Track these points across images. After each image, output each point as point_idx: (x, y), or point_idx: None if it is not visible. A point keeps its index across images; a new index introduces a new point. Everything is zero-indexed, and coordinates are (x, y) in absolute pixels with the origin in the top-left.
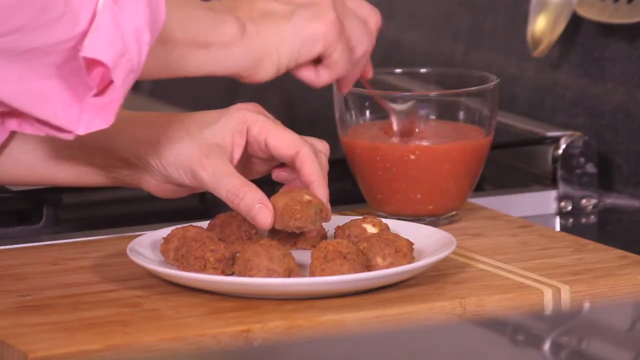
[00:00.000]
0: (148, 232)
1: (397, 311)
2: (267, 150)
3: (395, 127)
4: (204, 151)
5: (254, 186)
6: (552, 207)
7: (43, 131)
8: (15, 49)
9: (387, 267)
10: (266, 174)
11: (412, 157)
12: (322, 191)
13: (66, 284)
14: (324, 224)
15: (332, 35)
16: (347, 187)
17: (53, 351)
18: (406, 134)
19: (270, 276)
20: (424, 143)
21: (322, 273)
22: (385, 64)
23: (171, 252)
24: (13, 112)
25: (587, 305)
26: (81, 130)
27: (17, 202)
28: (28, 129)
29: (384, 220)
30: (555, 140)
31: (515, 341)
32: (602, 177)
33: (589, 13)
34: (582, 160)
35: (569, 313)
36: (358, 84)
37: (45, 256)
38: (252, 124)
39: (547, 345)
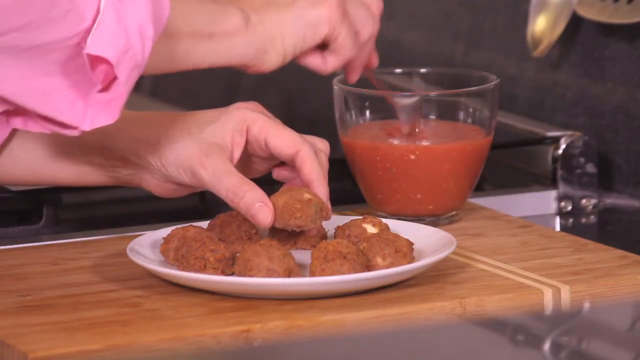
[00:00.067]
0: (148, 232)
1: (397, 311)
2: (267, 149)
3: (401, 120)
4: (204, 150)
5: (253, 185)
6: (552, 207)
7: (48, 128)
8: (19, 46)
9: (387, 267)
10: (266, 172)
11: (412, 157)
12: (322, 190)
13: (66, 284)
14: (324, 224)
15: (336, 19)
16: (347, 187)
17: (53, 351)
18: (412, 128)
19: (270, 276)
20: (424, 143)
21: (322, 273)
22: (385, 64)
23: (171, 252)
24: (18, 111)
25: (587, 305)
26: (86, 126)
27: (17, 202)
28: (33, 126)
29: (384, 220)
30: (555, 140)
31: (515, 341)
32: (602, 177)
33: (589, 13)
34: (582, 160)
35: (569, 313)
36: (360, 85)
37: (45, 256)
38: (252, 123)
39: (547, 345)
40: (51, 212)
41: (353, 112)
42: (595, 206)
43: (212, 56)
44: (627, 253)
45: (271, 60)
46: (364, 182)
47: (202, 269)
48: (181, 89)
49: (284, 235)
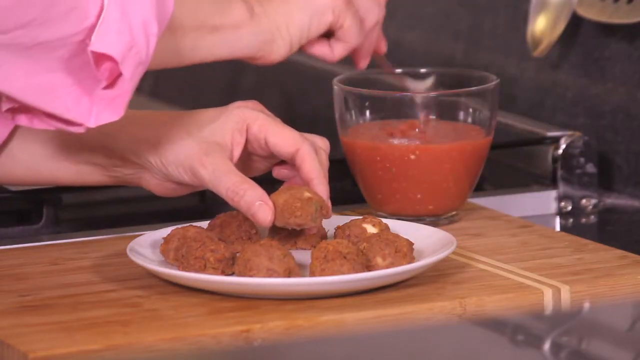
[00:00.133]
0: (148, 232)
1: (397, 311)
2: (267, 148)
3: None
4: (203, 149)
5: (253, 183)
6: (552, 207)
7: (53, 125)
8: (24, 43)
9: (387, 267)
10: (266, 171)
11: (412, 157)
12: (322, 188)
13: (66, 284)
14: (324, 224)
15: (340, 6)
16: (347, 187)
17: (53, 351)
18: (412, 127)
19: (270, 276)
20: (424, 143)
21: (322, 273)
22: (381, 67)
23: (171, 252)
24: (22, 108)
25: (587, 305)
26: (92, 123)
27: (17, 202)
28: (38, 124)
29: (384, 220)
30: (555, 140)
31: (515, 341)
32: (602, 177)
33: (589, 13)
34: (582, 160)
35: (569, 313)
36: (360, 85)
37: (45, 256)
38: (251, 122)
39: (547, 345)
40: (51, 212)
41: (353, 112)
42: (595, 206)
43: (217, 49)
44: (627, 253)
45: (278, 51)
46: (364, 182)
47: (202, 269)
48: (181, 89)
49: (284, 235)
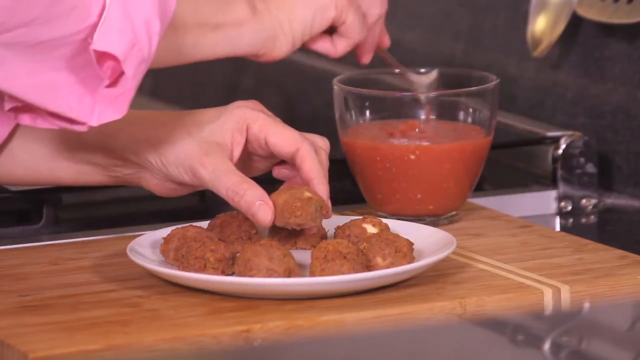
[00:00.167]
0: (148, 232)
1: (397, 311)
2: (267, 148)
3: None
4: (203, 149)
5: (254, 183)
6: (552, 207)
7: (56, 124)
8: (26, 42)
9: (387, 267)
10: (266, 171)
11: (412, 157)
12: (322, 188)
13: (66, 284)
14: (325, 224)
15: (343, 2)
16: (347, 187)
17: (53, 351)
18: (413, 126)
19: (270, 276)
20: (424, 143)
21: (322, 273)
22: (385, 63)
23: (171, 252)
24: (25, 107)
25: (587, 305)
26: (94, 122)
27: (17, 202)
28: (41, 123)
29: (384, 220)
30: (555, 140)
31: (515, 341)
32: (602, 177)
33: (589, 13)
34: (582, 160)
35: (569, 313)
36: (360, 85)
37: (45, 256)
38: (251, 122)
39: (547, 345)
40: (51, 212)
41: (353, 112)
42: (595, 206)
43: (220, 47)
44: (627, 253)
45: (281, 48)
46: (364, 182)
47: (202, 269)
48: (181, 89)
49: (284, 235)
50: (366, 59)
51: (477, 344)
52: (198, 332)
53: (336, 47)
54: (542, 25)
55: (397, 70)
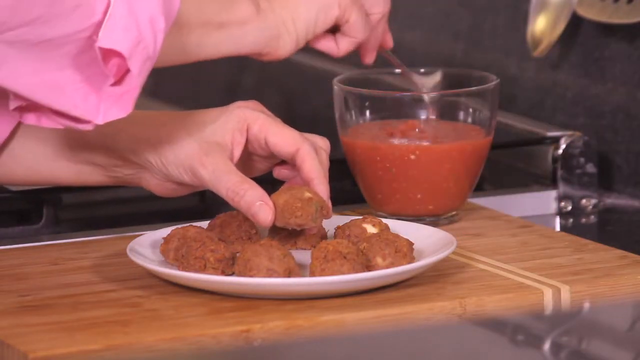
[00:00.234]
0: (148, 232)
1: (397, 311)
2: (267, 148)
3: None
4: (204, 149)
5: (254, 184)
6: (552, 207)
7: (61, 123)
8: (30, 40)
9: (387, 267)
10: (267, 171)
11: (412, 157)
12: (322, 188)
13: (66, 284)
14: (325, 225)
15: (346, 1)
16: (347, 187)
17: (53, 351)
18: (413, 126)
19: (270, 276)
20: (424, 143)
21: (322, 273)
22: (386, 63)
23: (171, 252)
24: (30, 107)
25: (587, 305)
26: (100, 120)
27: (17, 202)
28: (46, 122)
29: (384, 220)
30: (555, 140)
31: (515, 341)
32: (602, 177)
33: (589, 13)
34: (582, 160)
35: (569, 313)
36: (360, 85)
37: (45, 256)
38: (252, 122)
39: (547, 345)
40: (51, 212)
41: (353, 112)
42: (595, 206)
43: (224, 46)
44: (627, 253)
45: (285, 46)
46: (364, 182)
47: (202, 269)
48: (181, 89)
49: (284, 235)
50: (369, 59)
51: (477, 344)
52: (198, 332)
53: (339, 46)
54: (542, 25)
55: (399, 71)
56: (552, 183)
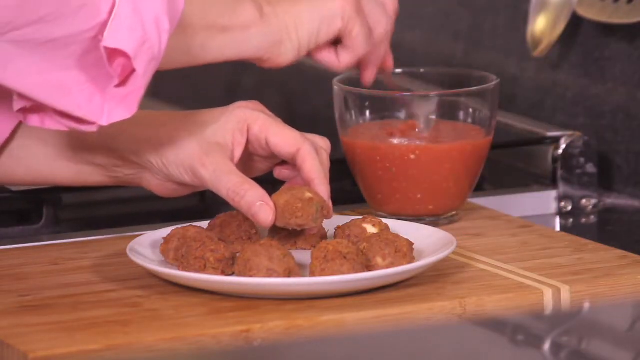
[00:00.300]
0: (148, 232)
1: (397, 311)
2: (268, 148)
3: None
4: (204, 150)
5: (254, 184)
6: (552, 207)
7: (65, 125)
8: (36, 40)
9: (387, 267)
10: (267, 171)
11: (412, 157)
12: (323, 188)
13: (66, 284)
14: (325, 225)
15: (350, 12)
16: (347, 187)
17: (53, 351)
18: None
19: (270, 276)
20: (424, 143)
21: (322, 273)
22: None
23: (171, 252)
24: (34, 108)
25: (587, 305)
26: (104, 121)
27: (17, 202)
28: (50, 123)
29: (384, 220)
30: (555, 140)
31: (515, 341)
32: (602, 177)
33: (589, 13)
34: (582, 160)
35: (569, 313)
36: (360, 85)
37: (45, 256)
38: (252, 122)
39: (547, 345)
40: (51, 212)
41: (353, 112)
42: (595, 206)
43: (227, 50)
44: (627, 253)
45: (286, 53)
46: (364, 182)
47: (202, 269)
48: (181, 89)
49: (284, 235)
50: (369, 76)
51: (477, 344)
52: (198, 332)
53: (340, 59)
54: (542, 25)
55: (398, 70)
56: (552, 183)
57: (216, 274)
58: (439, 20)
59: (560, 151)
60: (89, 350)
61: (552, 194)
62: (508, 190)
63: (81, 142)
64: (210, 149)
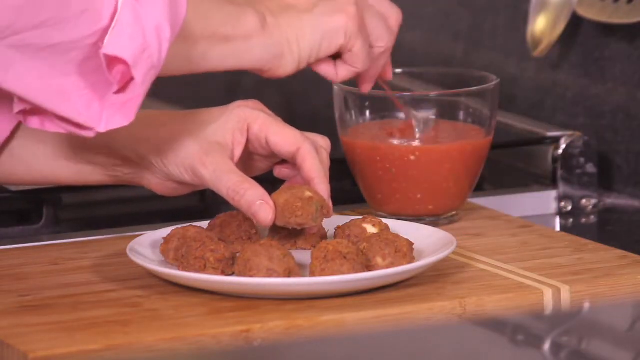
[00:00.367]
0: (148, 232)
1: (397, 311)
2: (267, 148)
3: (415, 131)
4: (204, 149)
5: (254, 183)
6: (552, 207)
7: (64, 128)
8: (36, 45)
9: (387, 267)
10: (267, 171)
11: (412, 157)
12: (323, 187)
13: (66, 284)
14: (325, 224)
15: (353, 29)
16: (347, 187)
17: (53, 351)
18: (429, 140)
19: (270, 276)
20: (424, 143)
21: (322, 273)
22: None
23: (171, 252)
24: (35, 110)
25: (587, 305)
26: (102, 128)
27: (17, 202)
28: (50, 126)
29: (384, 220)
30: (555, 140)
31: (515, 341)
32: (602, 177)
33: (589, 13)
34: (582, 160)
35: (569, 313)
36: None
37: (45, 256)
38: (252, 121)
39: (547, 345)
40: (51, 212)
41: (353, 112)
42: (595, 206)
43: (228, 59)
44: (627, 253)
45: (286, 65)
46: (364, 182)
47: (202, 269)
48: (181, 89)
49: (284, 235)
50: (366, 88)
51: (477, 344)
52: (198, 332)
53: (338, 72)
54: (542, 25)
55: (398, 70)
56: (552, 183)
57: (216, 274)
58: (439, 20)
59: (560, 151)
60: (89, 350)
61: (552, 194)
62: (508, 190)
63: (81, 141)
64: (210, 148)
